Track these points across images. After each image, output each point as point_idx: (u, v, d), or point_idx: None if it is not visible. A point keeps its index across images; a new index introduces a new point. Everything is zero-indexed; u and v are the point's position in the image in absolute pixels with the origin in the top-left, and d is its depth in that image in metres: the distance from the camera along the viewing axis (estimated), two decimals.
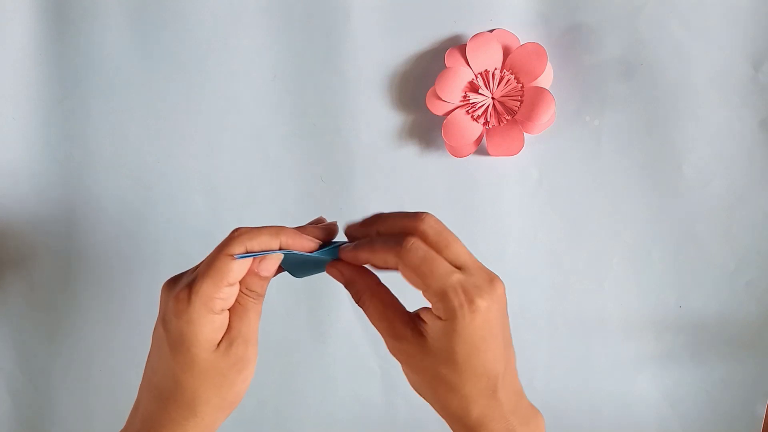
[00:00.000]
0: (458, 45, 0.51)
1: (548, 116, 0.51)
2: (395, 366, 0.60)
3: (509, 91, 0.52)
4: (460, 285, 0.35)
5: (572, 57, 0.52)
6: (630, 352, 0.57)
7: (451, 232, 0.37)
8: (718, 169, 0.53)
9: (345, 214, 0.55)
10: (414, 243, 0.36)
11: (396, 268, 0.37)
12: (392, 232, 0.37)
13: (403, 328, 0.37)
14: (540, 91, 0.51)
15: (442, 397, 0.37)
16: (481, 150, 0.54)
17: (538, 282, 0.57)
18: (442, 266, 0.35)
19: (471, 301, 0.35)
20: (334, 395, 0.60)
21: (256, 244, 0.37)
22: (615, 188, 0.54)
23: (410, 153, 0.54)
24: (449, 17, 0.52)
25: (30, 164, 0.56)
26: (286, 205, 0.56)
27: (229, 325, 0.38)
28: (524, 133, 0.52)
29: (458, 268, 0.36)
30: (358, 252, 0.38)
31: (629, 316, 0.57)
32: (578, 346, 0.57)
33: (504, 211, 0.55)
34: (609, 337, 0.57)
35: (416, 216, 0.37)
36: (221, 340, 0.38)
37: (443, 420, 0.39)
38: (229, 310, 0.38)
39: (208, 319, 0.36)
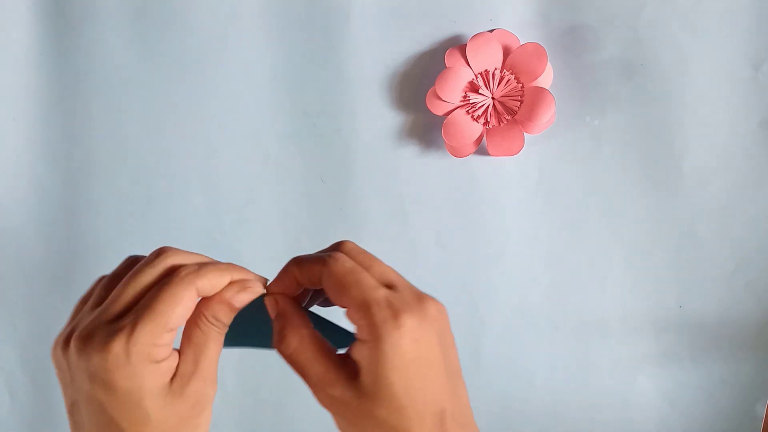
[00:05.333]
0: (458, 45, 0.51)
1: (548, 116, 0.51)
2: None
3: (509, 91, 0.52)
4: (385, 299, 0.31)
5: (572, 57, 0.52)
6: (630, 352, 0.57)
7: (374, 256, 0.35)
8: (718, 169, 0.53)
9: (345, 214, 0.56)
10: (341, 256, 0.34)
11: (320, 285, 0.34)
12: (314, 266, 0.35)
13: (335, 371, 0.33)
14: (540, 91, 0.51)
15: None
16: (481, 150, 0.54)
17: (538, 282, 0.56)
18: (368, 280, 0.32)
19: (396, 317, 0.31)
20: None
21: (207, 283, 0.33)
22: (615, 188, 0.54)
23: (410, 153, 0.54)
24: (449, 17, 0.52)
25: (30, 164, 0.56)
26: (286, 205, 0.56)
27: (183, 358, 0.34)
28: (524, 133, 0.52)
29: (387, 286, 0.33)
30: (286, 267, 0.35)
31: (629, 316, 0.57)
32: (578, 346, 0.57)
33: (504, 211, 0.55)
34: (609, 337, 0.57)
35: (336, 243, 0.36)
36: (173, 379, 0.33)
37: None
38: (183, 341, 0.34)
39: (152, 369, 0.32)
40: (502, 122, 0.52)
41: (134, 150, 0.55)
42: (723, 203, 0.53)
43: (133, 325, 0.31)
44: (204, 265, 0.33)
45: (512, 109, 0.52)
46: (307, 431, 0.61)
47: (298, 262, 0.35)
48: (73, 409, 0.34)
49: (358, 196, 0.55)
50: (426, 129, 0.54)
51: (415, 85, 0.53)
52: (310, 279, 0.34)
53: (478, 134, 0.52)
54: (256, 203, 0.56)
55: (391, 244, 0.56)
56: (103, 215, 0.57)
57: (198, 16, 0.53)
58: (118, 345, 0.31)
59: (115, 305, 0.33)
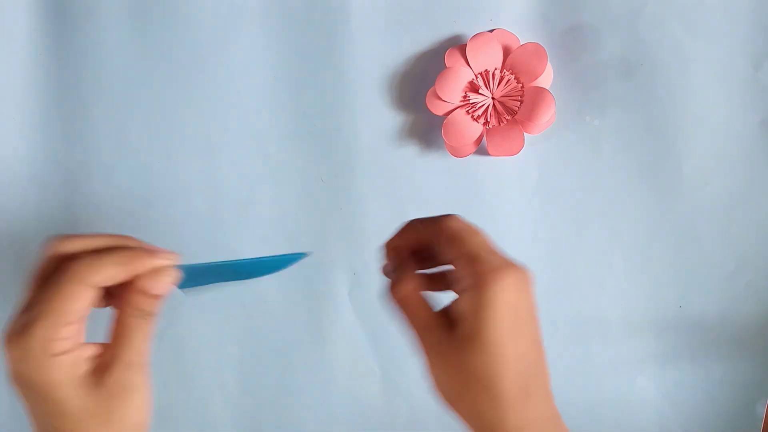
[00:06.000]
0: (458, 45, 0.51)
1: (548, 116, 0.51)
2: (395, 366, 0.60)
3: (509, 91, 0.52)
4: (494, 252, 0.34)
5: (572, 57, 0.52)
6: (630, 352, 0.57)
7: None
8: (718, 169, 0.53)
9: (345, 214, 0.56)
10: (456, 216, 0.37)
11: (431, 241, 0.36)
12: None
13: (437, 318, 0.35)
14: (540, 91, 0.51)
15: (474, 400, 0.33)
16: (481, 150, 0.54)
17: (538, 282, 0.56)
18: (480, 238, 0.35)
19: (503, 268, 0.33)
20: (334, 395, 0.60)
21: (103, 277, 0.33)
22: (615, 188, 0.54)
23: (410, 153, 0.54)
24: (449, 17, 0.52)
25: (30, 164, 0.56)
26: (286, 205, 0.56)
27: (106, 349, 0.34)
28: (524, 133, 0.52)
29: None
30: (408, 224, 0.38)
31: (629, 316, 0.57)
32: (578, 346, 0.57)
33: (504, 211, 0.55)
34: (609, 337, 0.57)
35: (443, 215, 0.38)
36: (94, 369, 0.34)
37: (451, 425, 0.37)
38: (110, 332, 0.34)
39: (56, 362, 0.32)
40: (502, 122, 0.52)
41: (134, 150, 0.55)
42: (723, 203, 0.53)
43: (29, 322, 0.32)
44: (99, 258, 0.33)
45: (512, 109, 0.52)
46: (307, 431, 0.61)
47: (419, 220, 0.38)
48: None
49: (358, 196, 0.55)
50: (426, 129, 0.54)
51: (415, 85, 0.53)
52: (428, 233, 0.37)
53: (478, 134, 0.52)
54: (256, 203, 0.56)
55: None
56: (103, 215, 0.57)
57: (198, 15, 0.53)
58: (16, 340, 0.32)
59: (22, 300, 0.34)
